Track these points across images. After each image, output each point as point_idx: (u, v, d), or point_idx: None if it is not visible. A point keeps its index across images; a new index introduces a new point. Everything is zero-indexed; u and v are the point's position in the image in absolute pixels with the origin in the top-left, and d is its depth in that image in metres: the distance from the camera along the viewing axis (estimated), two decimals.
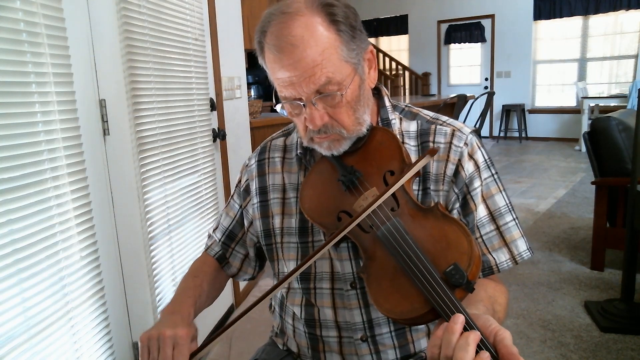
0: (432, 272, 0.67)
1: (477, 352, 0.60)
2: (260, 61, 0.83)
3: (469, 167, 0.86)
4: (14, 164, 1.07)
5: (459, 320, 0.61)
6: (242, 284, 2.72)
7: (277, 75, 0.78)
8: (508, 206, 0.88)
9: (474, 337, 0.60)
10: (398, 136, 0.87)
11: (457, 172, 0.86)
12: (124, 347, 1.55)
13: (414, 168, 0.77)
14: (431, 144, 0.88)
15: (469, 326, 0.62)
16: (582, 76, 7.81)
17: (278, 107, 0.83)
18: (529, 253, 0.88)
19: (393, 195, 0.79)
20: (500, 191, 0.88)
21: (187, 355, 0.78)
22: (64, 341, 1.22)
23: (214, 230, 1.09)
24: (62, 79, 1.23)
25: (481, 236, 0.87)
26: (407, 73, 9.05)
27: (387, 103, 0.93)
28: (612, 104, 6.52)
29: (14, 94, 1.09)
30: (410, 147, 0.89)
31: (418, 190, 0.87)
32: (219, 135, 2.32)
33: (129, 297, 1.57)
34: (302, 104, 0.78)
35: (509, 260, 0.87)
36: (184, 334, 0.79)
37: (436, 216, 0.74)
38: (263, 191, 0.98)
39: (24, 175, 1.10)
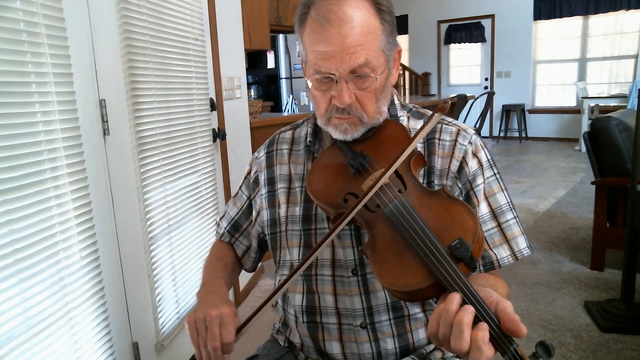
0: (437, 245, 0.68)
1: (476, 323, 0.60)
2: (297, 33, 0.86)
3: (472, 164, 0.89)
4: (14, 164, 1.07)
5: (455, 300, 0.62)
6: (242, 284, 2.72)
7: (319, 47, 0.79)
8: (509, 204, 0.91)
9: (467, 319, 0.60)
10: None
11: (461, 168, 0.89)
12: (124, 347, 1.55)
13: (426, 128, 0.77)
14: (437, 142, 0.91)
15: (471, 295, 0.63)
16: (582, 76, 7.81)
17: (309, 82, 0.85)
18: (528, 250, 0.90)
19: (400, 179, 0.81)
20: (502, 190, 0.91)
21: (233, 332, 0.81)
22: (64, 341, 1.22)
23: (221, 219, 1.12)
24: (62, 79, 1.23)
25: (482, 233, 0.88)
26: (407, 73, 9.05)
27: (396, 101, 0.97)
28: (612, 104, 6.52)
29: (14, 94, 1.09)
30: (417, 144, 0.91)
31: (423, 183, 0.88)
32: (219, 135, 2.32)
33: (129, 297, 1.57)
34: (335, 79, 0.80)
35: (509, 257, 0.89)
36: (228, 311, 0.82)
37: (442, 197, 0.76)
38: (271, 181, 1.01)
39: (24, 175, 1.10)
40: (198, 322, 0.81)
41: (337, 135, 0.87)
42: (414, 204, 0.76)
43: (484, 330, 0.60)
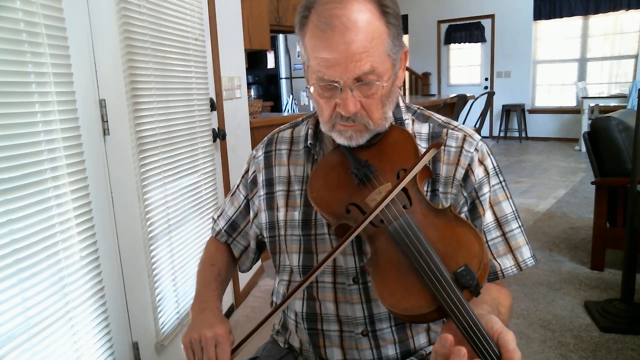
0: (442, 271, 0.66)
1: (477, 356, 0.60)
2: (298, 36, 0.82)
3: (478, 172, 0.87)
4: (14, 164, 1.07)
5: (447, 343, 0.60)
6: (242, 284, 2.72)
7: (321, 54, 0.76)
8: (514, 213, 0.89)
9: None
10: None
11: (466, 177, 0.87)
12: (124, 347, 1.55)
13: (424, 158, 0.76)
14: (442, 148, 0.89)
15: (474, 325, 0.62)
16: (582, 76, 7.81)
17: (312, 89, 0.82)
18: (533, 260, 0.89)
19: (406, 193, 0.78)
20: (508, 198, 0.90)
21: (229, 352, 0.83)
22: (64, 341, 1.22)
23: (218, 216, 1.10)
24: (62, 79, 1.23)
25: (487, 242, 0.88)
26: (407, 73, 9.05)
27: (401, 103, 0.94)
28: (612, 104, 6.52)
29: (14, 94, 1.08)
30: (422, 148, 0.89)
31: (427, 191, 0.87)
32: (219, 135, 2.32)
33: (129, 297, 1.57)
34: (339, 87, 0.77)
35: (513, 267, 0.88)
36: (223, 332, 0.84)
37: (448, 217, 0.74)
38: (269, 183, 0.99)
39: (24, 175, 1.10)
40: (194, 343, 0.83)
41: (341, 141, 0.85)
42: (420, 222, 0.74)
43: None
